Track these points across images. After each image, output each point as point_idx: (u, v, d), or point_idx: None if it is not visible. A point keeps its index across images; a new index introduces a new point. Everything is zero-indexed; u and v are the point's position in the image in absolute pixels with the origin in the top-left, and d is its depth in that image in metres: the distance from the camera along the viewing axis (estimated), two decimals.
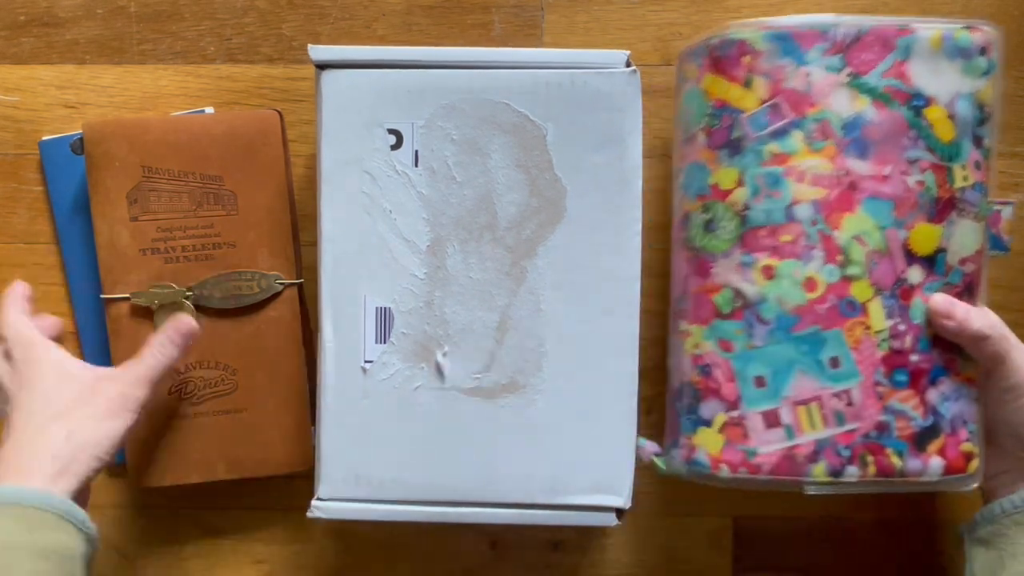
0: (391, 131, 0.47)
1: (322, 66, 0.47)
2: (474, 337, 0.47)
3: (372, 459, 0.47)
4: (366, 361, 0.47)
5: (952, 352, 0.45)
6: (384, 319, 0.47)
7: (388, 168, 0.47)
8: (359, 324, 0.47)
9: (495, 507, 0.47)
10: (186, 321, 0.48)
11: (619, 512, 0.47)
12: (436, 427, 0.47)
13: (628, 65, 0.46)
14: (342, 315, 0.47)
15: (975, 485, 0.46)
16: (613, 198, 0.47)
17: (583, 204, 0.47)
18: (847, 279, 0.44)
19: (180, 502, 0.55)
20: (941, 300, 0.45)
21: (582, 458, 0.47)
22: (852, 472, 0.44)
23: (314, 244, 0.48)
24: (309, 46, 0.47)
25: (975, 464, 0.45)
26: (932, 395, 0.45)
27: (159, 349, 0.47)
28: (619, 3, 0.54)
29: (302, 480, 0.55)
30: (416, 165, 0.47)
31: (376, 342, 0.47)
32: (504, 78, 0.46)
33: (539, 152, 0.47)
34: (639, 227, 0.47)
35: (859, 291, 0.44)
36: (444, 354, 0.47)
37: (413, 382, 0.47)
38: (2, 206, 0.55)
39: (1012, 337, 0.45)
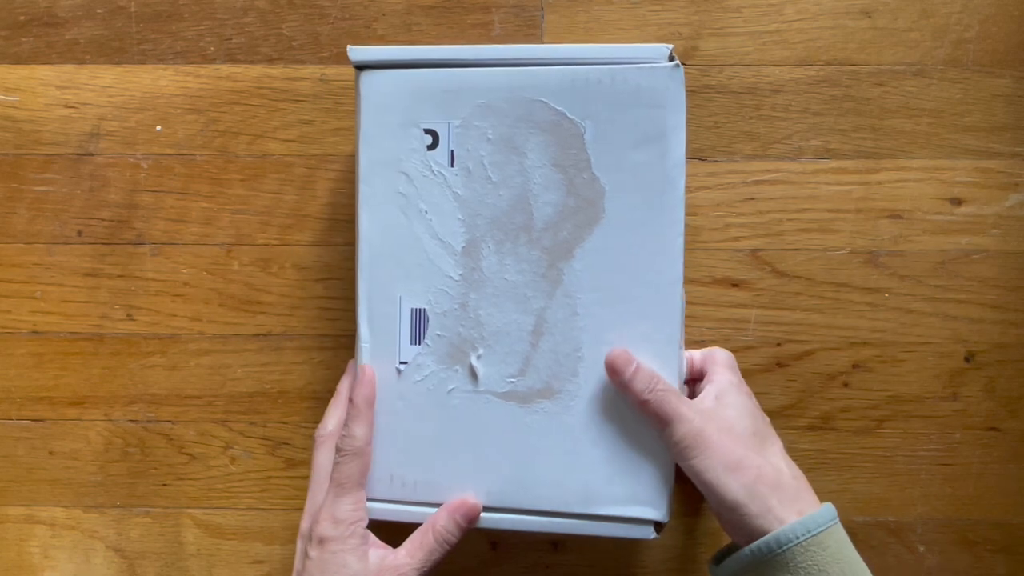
0: (427, 131, 0.46)
1: (361, 67, 0.47)
2: (509, 340, 0.46)
3: (407, 461, 0.47)
4: (401, 362, 0.47)
5: None
6: (419, 321, 0.47)
7: (424, 168, 0.47)
8: (395, 325, 0.47)
9: (528, 514, 0.46)
10: (474, 504, 0.46)
11: (658, 525, 0.46)
12: (469, 431, 0.47)
13: (671, 59, 0.45)
14: (378, 316, 0.47)
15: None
16: (654, 198, 0.45)
17: (622, 204, 0.45)
18: None
19: (181, 501, 0.55)
20: (619, 354, 0.45)
21: (618, 468, 0.46)
22: None
23: (351, 245, 0.48)
24: (348, 47, 0.46)
25: None
26: None
27: (444, 538, 0.46)
28: (619, 3, 0.54)
29: (301, 479, 0.55)
30: (452, 165, 0.46)
31: (411, 343, 0.47)
32: (541, 75, 0.45)
33: (577, 151, 0.45)
34: (682, 227, 0.45)
35: None
36: (478, 357, 0.46)
37: (447, 384, 0.47)
38: (2, 206, 0.55)
39: (674, 399, 0.44)
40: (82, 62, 0.55)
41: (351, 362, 0.49)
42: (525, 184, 0.46)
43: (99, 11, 0.54)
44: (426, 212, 0.47)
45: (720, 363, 0.48)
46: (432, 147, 0.46)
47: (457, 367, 0.47)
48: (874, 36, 0.53)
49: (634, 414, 0.45)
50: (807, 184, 0.54)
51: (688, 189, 0.54)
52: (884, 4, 0.53)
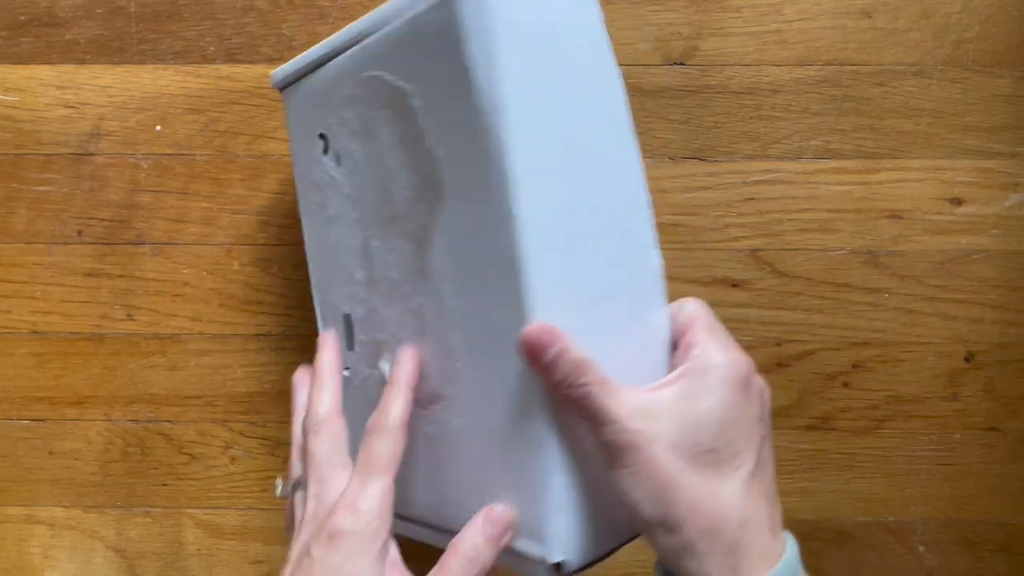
0: (320, 136, 0.44)
1: (282, 88, 0.47)
2: (403, 342, 0.41)
3: None
4: (346, 368, 0.45)
5: None
6: (349, 327, 0.46)
7: (325, 175, 0.45)
8: (340, 333, 0.46)
9: (442, 532, 0.40)
10: (501, 511, 0.36)
11: (559, 567, 0.35)
12: None
13: None
14: (328, 324, 0.47)
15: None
16: (479, 157, 0.34)
17: (457, 174, 0.36)
18: None
19: (181, 501, 0.55)
20: (537, 331, 0.33)
21: (510, 491, 0.36)
22: None
23: None
24: (271, 73, 0.47)
25: None
26: None
27: (472, 556, 0.35)
28: (619, 3, 0.54)
29: None
30: (339, 165, 0.43)
31: (347, 350, 0.46)
32: (371, 47, 0.39)
33: (410, 122, 0.38)
34: (516, 189, 0.34)
35: None
36: (386, 361, 0.43)
37: (373, 391, 0.42)
38: (2, 206, 0.55)
39: (603, 395, 0.33)
40: (82, 62, 0.55)
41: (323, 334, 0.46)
42: (383, 170, 0.40)
43: (99, 11, 0.54)
44: (334, 219, 0.45)
45: (701, 326, 0.36)
46: (325, 151, 0.44)
47: (376, 372, 0.43)
48: (874, 36, 0.53)
49: (516, 425, 0.36)
50: (807, 184, 0.54)
51: (688, 189, 0.54)
52: (884, 4, 0.53)
